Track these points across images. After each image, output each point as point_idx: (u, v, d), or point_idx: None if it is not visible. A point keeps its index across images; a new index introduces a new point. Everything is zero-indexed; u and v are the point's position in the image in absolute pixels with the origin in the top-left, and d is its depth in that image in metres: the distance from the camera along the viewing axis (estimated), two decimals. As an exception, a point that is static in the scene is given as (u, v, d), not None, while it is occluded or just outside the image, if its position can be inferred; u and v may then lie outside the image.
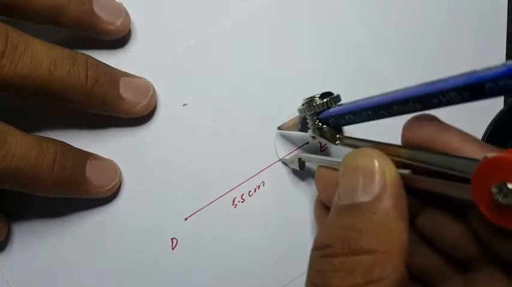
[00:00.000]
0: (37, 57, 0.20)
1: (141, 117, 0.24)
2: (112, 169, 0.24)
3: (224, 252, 0.25)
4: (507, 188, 0.13)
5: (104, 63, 0.23)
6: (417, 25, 0.26)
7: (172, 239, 0.25)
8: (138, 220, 0.24)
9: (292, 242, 0.25)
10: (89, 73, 0.21)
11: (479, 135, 0.26)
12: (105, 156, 0.24)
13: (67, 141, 0.23)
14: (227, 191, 0.25)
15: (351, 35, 0.26)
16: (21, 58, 0.19)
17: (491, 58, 0.26)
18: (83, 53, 0.22)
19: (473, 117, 0.26)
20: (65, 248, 0.24)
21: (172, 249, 0.25)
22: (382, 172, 0.15)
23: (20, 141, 0.20)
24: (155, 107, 0.25)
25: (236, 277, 0.25)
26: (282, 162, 0.25)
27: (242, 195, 0.25)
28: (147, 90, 0.24)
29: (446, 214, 0.17)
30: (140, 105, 0.23)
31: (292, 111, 0.24)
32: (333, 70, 0.26)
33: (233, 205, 0.25)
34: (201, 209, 0.25)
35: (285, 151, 0.25)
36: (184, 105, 0.25)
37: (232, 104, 0.25)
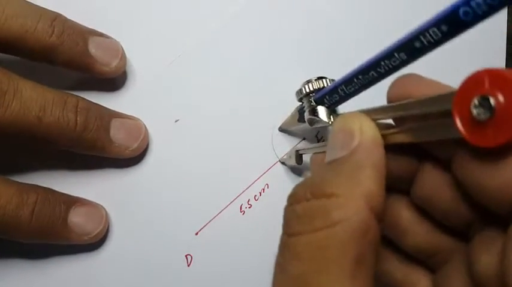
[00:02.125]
0: (26, 103, 0.20)
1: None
2: (97, 215, 0.23)
3: (239, 259, 0.25)
4: (485, 101, 0.13)
5: (96, 105, 0.22)
6: (416, 25, 0.26)
7: (186, 256, 0.25)
8: (148, 243, 0.24)
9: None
10: (78, 119, 0.21)
11: None
12: (106, 177, 0.24)
13: (55, 180, 0.23)
14: (233, 199, 0.25)
15: (342, 31, 0.26)
16: (9, 105, 0.19)
17: (491, 58, 0.26)
18: (74, 96, 0.22)
19: None
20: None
21: (188, 266, 0.25)
22: (360, 131, 0.15)
23: (0, 191, 0.20)
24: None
25: (254, 282, 0.25)
26: (281, 162, 0.25)
27: (248, 201, 0.25)
28: (138, 132, 0.23)
29: (438, 180, 0.17)
30: (130, 149, 0.23)
31: (284, 111, 0.24)
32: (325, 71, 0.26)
33: (241, 211, 0.25)
34: (210, 221, 0.25)
35: (283, 150, 0.25)
36: (176, 121, 0.25)
37: (224, 112, 0.25)
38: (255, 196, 0.25)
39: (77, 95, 0.22)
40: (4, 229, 0.20)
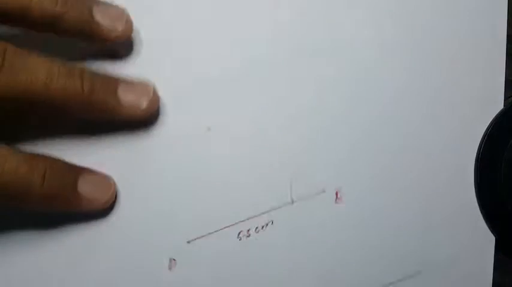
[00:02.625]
0: (33, 72, 0.20)
1: (148, 131, 0.24)
2: (106, 183, 0.24)
3: (221, 283, 0.25)
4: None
5: (101, 73, 0.23)
6: (416, 25, 0.26)
7: (171, 259, 0.25)
8: (138, 234, 0.24)
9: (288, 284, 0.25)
10: (84, 83, 0.21)
11: (479, 135, 0.26)
12: (106, 168, 0.24)
13: (61, 155, 0.23)
14: (235, 222, 0.25)
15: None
16: (18, 74, 0.20)
17: (492, 58, 0.26)
18: (79, 66, 0.22)
19: (472, 118, 0.25)
20: (52, 261, 0.24)
21: (169, 269, 0.25)
22: None
23: (9, 158, 0.20)
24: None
25: None
26: None
27: (248, 230, 0.25)
28: (147, 92, 0.23)
29: None
30: (141, 109, 0.23)
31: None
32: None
33: (238, 237, 0.25)
34: (206, 235, 0.25)
35: (299, 194, 0.25)
36: (208, 129, 0.25)
37: (256, 136, 0.25)
38: (257, 227, 0.25)
39: (44, 156, 0.22)
40: (15, 194, 0.21)
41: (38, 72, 0.20)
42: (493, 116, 0.26)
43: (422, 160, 0.25)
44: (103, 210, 0.24)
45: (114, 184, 0.24)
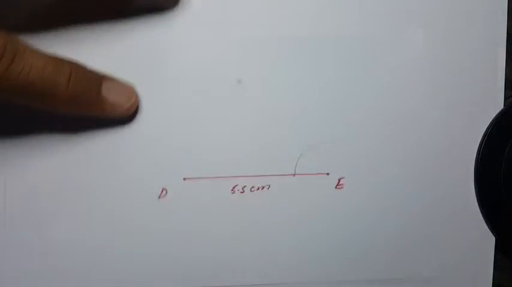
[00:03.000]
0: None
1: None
2: (129, 89, 0.24)
3: (200, 224, 0.25)
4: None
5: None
6: (416, 25, 0.25)
7: (163, 189, 0.25)
8: (143, 156, 0.25)
9: (269, 249, 0.25)
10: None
11: (479, 135, 0.26)
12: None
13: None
14: (233, 175, 0.25)
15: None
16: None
17: (492, 58, 0.26)
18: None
19: (472, 118, 0.25)
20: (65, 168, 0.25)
21: (159, 198, 0.25)
22: None
23: (37, 57, 0.21)
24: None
25: (211, 244, 0.25)
26: None
27: (244, 187, 0.25)
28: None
29: None
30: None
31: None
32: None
33: (232, 190, 0.25)
34: (203, 178, 0.25)
35: (303, 169, 0.25)
36: (239, 81, 0.25)
37: (279, 101, 0.25)
38: (253, 187, 0.25)
39: (69, 60, 0.22)
40: (42, 93, 0.21)
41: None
42: (493, 116, 0.25)
43: (423, 159, 0.25)
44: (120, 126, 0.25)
45: (136, 92, 0.24)
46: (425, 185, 0.25)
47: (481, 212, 0.25)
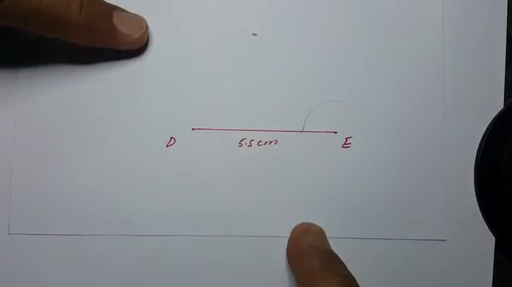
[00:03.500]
0: None
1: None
2: (139, 20, 0.24)
3: (202, 171, 0.25)
4: None
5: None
6: (416, 25, 0.26)
7: (171, 138, 0.25)
8: (155, 103, 0.25)
9: (272, 203, 0.25)
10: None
11: (479, 135, 0.26)
12: None
13: None
14: (242, 128, 0.25)
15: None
16: None
17: (492, 58, 0.26)
18: None
19: (472, 118, 0.26)
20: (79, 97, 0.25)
21: (166, 146, 0.25)
22: None
23: None
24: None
25: (211, 203, 0.25)
26: None
27: (252, 140, 0.25)
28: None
29: None
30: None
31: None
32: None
33: (239, 143, 0.25)
34: (210, 129, 0.25)
35: (312, 127, 0.25)
36: (254, 34, 0.25)
37: (294, 57, 0.25)
38: (260, 141, 0.25)
39: None
40: (56, 18, 0.21)
41: None
42: (493, 116, 0.26)
43: (422, 160, 0.25)
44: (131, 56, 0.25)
45: (147, 23, 0.25)
46: (424, 185, 0.25)
47: (481, 212, 0.25)
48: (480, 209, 0.25)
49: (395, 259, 0.25)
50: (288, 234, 0.25)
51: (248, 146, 0.25)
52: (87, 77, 0.25)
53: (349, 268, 0.22)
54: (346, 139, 0.25)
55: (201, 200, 0.25)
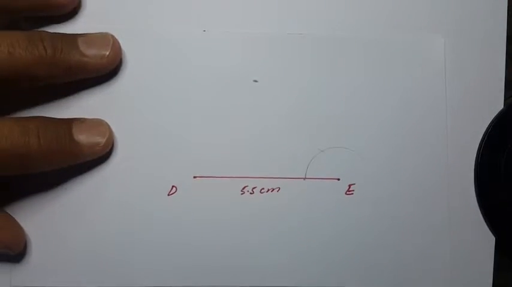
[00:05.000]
0: None
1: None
2: (100, 126, 0.24)
3: (206, 223, 0.25)
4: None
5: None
6: (415, 25, 0.26)
7: (173, 186, 0.25)
8: (152, 159, 0.25)
9: (275, 251, 0.25)
10: (45, 43, 0.22)
11: (479, 135, 0.26)
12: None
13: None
14: (244, 175, 0.25)
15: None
16: None
17: (491, 59, 0.26)
18: (38, 31, 0.22)
19: (472, 118, 0.25)
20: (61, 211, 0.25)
21: (168, 195, 0.25)
22: None
23: (0, 125, 0.21)
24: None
25: (222, 242, 0.25)
26: None
27: (254, 188, 0.25)
28: (106, 40, 0.23)
29: None
30: (106, 56, 0.23)
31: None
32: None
33: (241, 191, 0.25)
34: (212, 177, 0.25)
35: (314, 173, 0.25)
36: (255, 81, 0.25)
37: (295, 102, 0.25)
38: (263, 189, 0.25)
39: (33, 117, 0.23)
40: (16, 158, 0.21)
41: (1, 43, 0.21)
42: (493, 116, 0.26)
43: (422, 160, 0.25)
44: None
45: (109, 125, 0.24)
46: (424, 185, 0.25)
47: (481, 212, 0.25)
48: (480, 209, 0.25)
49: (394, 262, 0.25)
50: (292, 283, 0.25)
51: (250, 193, 0.25)
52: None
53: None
54: (350, 186, 0.25)
55: (204, 249, 0.25)
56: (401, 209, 0.25)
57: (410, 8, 0.26)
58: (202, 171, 0.25)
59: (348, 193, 0.25)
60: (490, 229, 0.25)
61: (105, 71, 0.24)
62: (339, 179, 0.25)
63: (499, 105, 0.26)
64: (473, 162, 0.26)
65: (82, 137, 0.23)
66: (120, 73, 0.25)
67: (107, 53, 0.23)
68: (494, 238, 0.25)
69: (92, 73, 0.23)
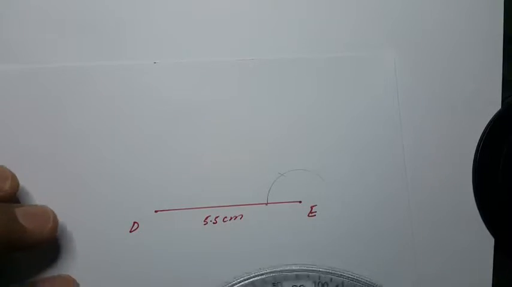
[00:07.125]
0: None
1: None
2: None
3: (171, 256, 0.25)
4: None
5: None
6: (415, 25, 0.26)
7: (134, 223, 0.25)
8: (112, 195, 0.25)
9: (241, 277, 0.25)
10: None
11: (477, 135, 0.26)
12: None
13: None
14: (206, 206, 0.25)
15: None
16: None
17: (489, 59, 0.26)
18: None
19: (471, 118, 0.26)
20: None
21: (130, 232, 0.25)
22: None
23: None
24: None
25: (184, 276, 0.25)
26: None
27: (217, 217, 0.25)
28: (46, 215, 0.23)
29: None
30: (46, 230, 0.23)
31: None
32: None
33: (204, 222, 0.25)
34: (176, 210, 0.25)
35: (275, 198, 0.25)
36: (208, 109, 0.25)
37: (250, 130, 0.25)
38: (225, 217, 0.25)
39: None
40: None
41: None
42: (491, 116, 0.26)
43: (421, 160, 0.26)
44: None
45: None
46: (424, 186, 0.26)
47: (480, 213, 0.26)
48: (479, 210, 0.26)
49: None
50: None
51: (213, 223, 0.25)
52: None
53: None
54: (312, 208, 0.25)
55: (169, 283, 0.25)
56: (365, 227, 0.25)
57: (362, 26, 0.26)
58: (163, 205, 0.25)
59: (310, 214, 0.25)
60: (488, 230, 0.26)
61: (43, 244, 0.23)
62: (300, 202, 0.25)
63: (497, 106, 0.26)
64: (472, 162, 0.26)
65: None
66: (71, 109, 0.24)
67: (48, 227, 0.23)
68: (493, 239, 0.26)
69: (31, 244, 0.22)
